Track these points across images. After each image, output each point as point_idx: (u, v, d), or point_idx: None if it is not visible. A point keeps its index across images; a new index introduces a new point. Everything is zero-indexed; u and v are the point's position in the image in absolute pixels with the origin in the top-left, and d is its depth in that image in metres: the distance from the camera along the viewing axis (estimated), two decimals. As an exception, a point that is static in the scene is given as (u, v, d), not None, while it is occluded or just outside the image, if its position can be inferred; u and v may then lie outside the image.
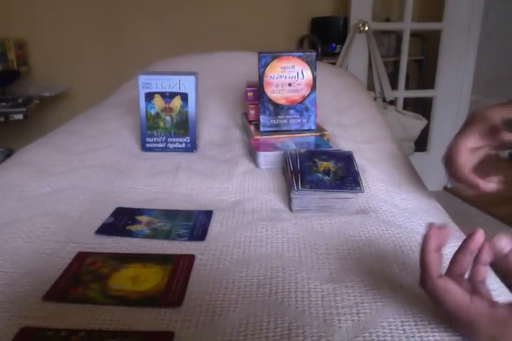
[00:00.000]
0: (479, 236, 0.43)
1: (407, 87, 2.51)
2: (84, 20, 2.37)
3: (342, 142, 0.97)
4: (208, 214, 0.67)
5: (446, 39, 2.35)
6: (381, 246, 0.58)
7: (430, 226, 0.43)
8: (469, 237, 0.43)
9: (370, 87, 2.27)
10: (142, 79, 0.92)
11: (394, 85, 2.36)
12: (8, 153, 1.96)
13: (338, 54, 2.32)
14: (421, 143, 2.35)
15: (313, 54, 0.92)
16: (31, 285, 0.50)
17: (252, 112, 1.01)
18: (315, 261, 0.55)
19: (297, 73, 0.92)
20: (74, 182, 0.79)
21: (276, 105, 0.94)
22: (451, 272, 0.43)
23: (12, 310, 0.46)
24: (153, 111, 0.94)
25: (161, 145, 0.95)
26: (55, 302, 0.47)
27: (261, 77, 0.92)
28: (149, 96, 0.93)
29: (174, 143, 0.95)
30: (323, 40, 2.39)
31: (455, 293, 0.39)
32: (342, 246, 0.58)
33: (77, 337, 0.42)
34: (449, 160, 0.65)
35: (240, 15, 2.47)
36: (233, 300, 0.48)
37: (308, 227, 0.64)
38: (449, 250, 0.56)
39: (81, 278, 0.52)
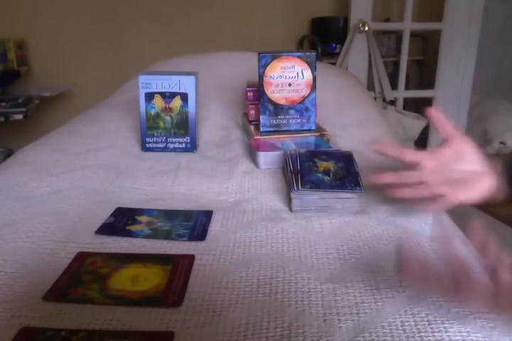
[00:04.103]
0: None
1: (407, 87, 2.51)
2: (84, 20, 2.37)
3: (342, 142, 0.97)
4: (208, 214, 0.67)
5: (446, 39, 2.35)
6: (381, 246, 0.58)
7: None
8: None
9: (370, 87, 2.27)
10: (142, 79, 0.92)
11: (394, 85, 2.36)
12: (8, 153, 1.96)
13: (338, 54, 2.32)
14: (421, 143, 2.35)
15: (313, 54, 0.92)
16: (31, 285, 0.50)
17: (252, 112, 1.01)
18: (315, 261, 0.55)
19: (297, 73, 0.92)
20: (74, 182, 0.79)
21: (276, 105, 0.94)
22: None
23: (12, 310, 0.46)
24: (153, 111, 0.94)
25: (161, 145, 0.95)
26: (55, 302, 0.47)
27: (261, 77, 0.92)
28: (149, 97, 0.93)
29: (174, 143, 0.95)
30: (323, 40, 2.39)
31: None
32: (342, 246, 0.58)
33: (77, 337, 0.42)
34: None
35: (240, 15, 2.47)
36: (233, 300, 0.48)
37: (308, 227, 0.64)
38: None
39: (81, 278, 0.52)
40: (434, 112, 0.68)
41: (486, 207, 0.68)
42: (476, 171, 0.66)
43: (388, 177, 0.64)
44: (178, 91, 0.93)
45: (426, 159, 0.66)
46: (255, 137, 0.94)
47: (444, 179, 0.64)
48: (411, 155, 0.66)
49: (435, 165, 0.65)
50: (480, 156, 0.67)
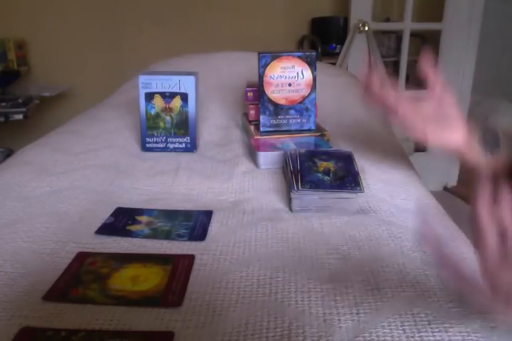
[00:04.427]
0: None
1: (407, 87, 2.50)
2: (84, 21, 2.37)
3: (342, 142, 0.97)
4: (208, 214, 0.67)
5: (446, 39, 2.35)
6: (381, 246, 0.58)
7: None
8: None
9: (370, 87, 2.26)
10: (142, 79, 0.92)
11: (394, 85, 2.36)
12: (8, 153, 1.96)
13: (338, 54, 2.32)
14: (421, 143, 2.35)
15: (313, 54, 0.92)
16: (31, 285, 0.50)
17: (252, 112, 1.01)
18: (315, 261, 0.55)
19: (297, 73, 0.92)
20: (74, 182, 0.79)
21: (276, 105, 0.94)
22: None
23: (12, 310, 0.46)
24: (153, 111, 0.94)
25: (161, 145, 0.95)
26: (55, 302, 0.47)
27: (261, 77, 0.92)
28: (149, 97, 0.93)
29: (174, 143, 0.95)
30: (323, 40, 2.39)
31: None
32: (342, 246, 0.58)
33: (77, 337, 0.42)
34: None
35: (240, 16, 2.47)
36: (233, 300, 0.48)
37: (308, 227, 0.64)
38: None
39: (81, 278, 0.52)
40: (428, 56, 0.66)
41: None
42: (449, 121, 0.66)
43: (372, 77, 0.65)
44: (178, 91, 0.93)
45: (404, 100, 0.66)
46: (255, 137, 0.94)
47: (418, 114, 0.64)
48: (392, 93, 0.66)
49: (412, 108, 0.66)
50: (457, 111, 0.67)
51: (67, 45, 2.39)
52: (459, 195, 2.36)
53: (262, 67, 0.91)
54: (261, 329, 0.43)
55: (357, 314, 0.45)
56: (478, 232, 0.37)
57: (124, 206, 0.71)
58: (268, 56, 0.90)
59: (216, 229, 0.63)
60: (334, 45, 2.43)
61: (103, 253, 0.57)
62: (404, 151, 1.00)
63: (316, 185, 0.67)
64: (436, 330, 0.43)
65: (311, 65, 0.92)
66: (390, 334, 0.42)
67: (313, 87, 0.93)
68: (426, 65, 0.67)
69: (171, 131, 0.95)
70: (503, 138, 0.66)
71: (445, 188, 2.51)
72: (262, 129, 0.95)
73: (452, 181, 2.51)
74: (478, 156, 0.66)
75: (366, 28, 2.25)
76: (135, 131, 1.03)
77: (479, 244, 0.37)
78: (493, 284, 0.37)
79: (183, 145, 0.95)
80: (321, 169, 0.71)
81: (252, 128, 0.99)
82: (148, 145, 0.95)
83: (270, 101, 0.93)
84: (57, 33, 2.37)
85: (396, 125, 0.65)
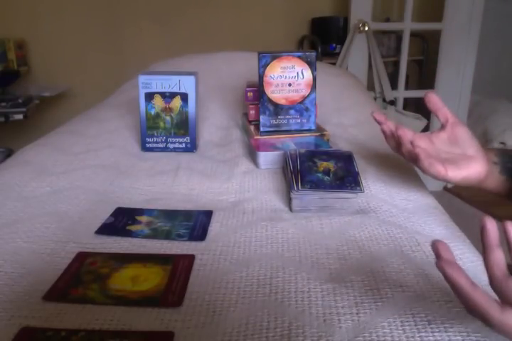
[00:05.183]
0: (491, 226, 0.39)
1: (407, 87, 2.51)
2: (84, 20, 2.37)
3: (342, 142, 0.97)
4: (208, 214, 0.67)
5: (446, 39, 2.35)
6: (381, 246, 0.58)
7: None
8: (484, 237, 0.39)
9: (370, 87, 2.27)
10: (142, 79, 0.92)
11: (394, 85, 2.36)
12: (8, 153, 1.96)
13: (338, 54, 2.32)
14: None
15: (313, 54, 0.92)
16: (31, 285, 0.50)
17: (252, 112, 1.02)
18: (315, 261, 0.55)
19: (297, 73, 0.92)
20: (74, 182, 0.79)
21: (276, 105, 0.94)
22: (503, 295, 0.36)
23: (12, 310, 0.46)
24: (153, 111, 0.94)
25: (161, 145, 0.95)
26: (55, 302, 0.47)
27: (261, 77, 0.92)
28: (149, 97, 0.93)
29: (174, 143, 0.95)
30: (323, 40, 2.39)
31: None
32: (342, 246, 0.58)
33: (77, 337, 0.42)
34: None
35: (240, 15, 2.47)
36: (233, 300, 0.48)
37: (308, 227, 0.64)
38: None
39: (81, 278, 0.52)
40: (433, 97, 0.68)
41: (485, 206, 0.66)
42: (466, 154, 0.66)
43: (385, 119, 0.68)
44: (178, 91, 0.93)
45: (419, 138, 0.66)
46: (255, 137, 0.94)
47: (433, 156, 0.65)
48: (407, 132, 0.67)
49: (428, 145, 0.66)
50: (474, 143, 0.67)
51: (67, 45, 2.39)
52: (459, 195, 2.36)
53: (262, 67, 0.91)
54: (261, 329, 0.43)
55: (357, 314, 0.45)
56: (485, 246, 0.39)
57: (124, 206, 0.71)
58: (268, 56, 0.90)
59: (216, 229, 0.63)
60: (334, 45, 2.43)
61: (103, 253, 0.57)
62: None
63: (316, 185, 0.67)
64: (436, 330, 0.43)
65: (311, 65, 0.92)
66: (390, 334, 0.42)
67: (313, 87, 0.93)
68: (434, 103, 0.68)
69: (171, 131, 0.95)
70: None
71: (445, 188, 2.50)
72: (262, 129, 0.95)
73: (452, 181, 2.50)
74: (497, 182, 0.67)
75: (366, 28, 2.25)
76: (135, 131, 1.03)
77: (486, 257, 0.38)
78: (501, 293, 0.37)
79: (183, 145, 0.95)
80: (321, 169, 0.71)
81: (252, 128, 0.99)
82: (148, 145, 0.95)
83: (270, 101, 0.93)
84: (57, 33, 2.37)
85: (414, 165, 0.65)
